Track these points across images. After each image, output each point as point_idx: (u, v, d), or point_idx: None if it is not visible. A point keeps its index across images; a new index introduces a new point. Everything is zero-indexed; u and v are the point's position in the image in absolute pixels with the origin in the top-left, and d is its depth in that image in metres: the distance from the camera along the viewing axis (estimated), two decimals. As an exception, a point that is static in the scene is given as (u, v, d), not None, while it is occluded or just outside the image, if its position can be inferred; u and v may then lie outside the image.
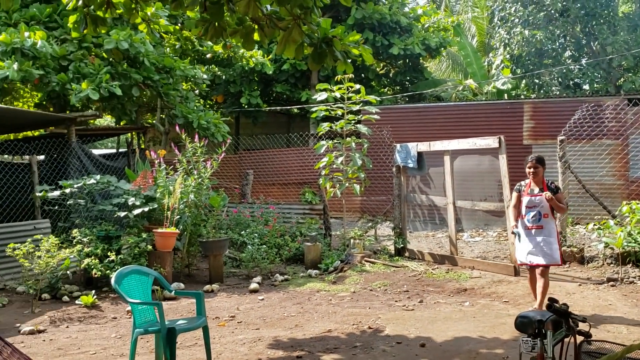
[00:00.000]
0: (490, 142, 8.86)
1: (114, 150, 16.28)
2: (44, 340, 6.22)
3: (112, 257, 8.27)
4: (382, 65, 21.77)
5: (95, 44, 11.38)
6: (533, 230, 6.58)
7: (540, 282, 6.54)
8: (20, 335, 6.37)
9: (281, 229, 11.04)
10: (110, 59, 11.33)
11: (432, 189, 12.57)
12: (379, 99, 13.09)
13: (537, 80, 20.55)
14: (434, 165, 11.49)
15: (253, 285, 8.78)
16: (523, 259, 6.74)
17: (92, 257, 8.22)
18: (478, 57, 22.28)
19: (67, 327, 6.80)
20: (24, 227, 9.10)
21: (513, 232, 6.81)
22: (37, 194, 9.63)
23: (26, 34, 10.20)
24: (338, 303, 7.82)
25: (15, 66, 9.80)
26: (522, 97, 20.42)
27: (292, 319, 7.05)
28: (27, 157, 11.80)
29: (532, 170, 6.65)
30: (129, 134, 14.79)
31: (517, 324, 3.72)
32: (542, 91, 20.40)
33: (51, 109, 13.51)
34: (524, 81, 20.99)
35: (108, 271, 8.11)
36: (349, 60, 5.60)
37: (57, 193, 9.25)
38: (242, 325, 6.81)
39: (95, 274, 8.12)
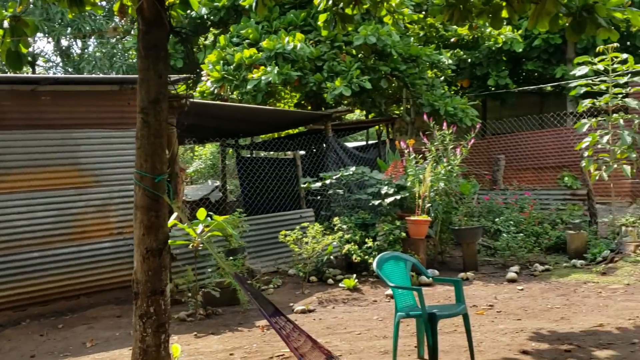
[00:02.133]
0: None
1: (364, 143, 17.01)
2: (314, 319, 6.75)
3: (370, 243, 8.64)
4: (651, 28, 19.01)
5: (346, 42, 12.00)
6: None
7: None
8: (294, 314, 7.00)
9: (539, 216, 10.35)
10: (360, 55, 11.84)
11: None
12: (650, 67, 11.41)
13: None
14: None
15: (510, 275, 8.40)
16: None
17: (352, 244, 8.69)
18: None
19: (333, 307, 7.29)
20: (292, 216, 10.03)
21: None
22: (302, 186, 10.53)
23: (286, 39, 11.20)
24: (609, 296, 7.05)
25: (276, 70, 10.83)
26: None
27: (556, 311, 6.55)
28: (289, 152, 13.02)
29: None
30: (378, 126, 15.32)
31: None
32: None
33: (309, 108, 14.66)
34: None
35: (367, 257, 8.50)
36: (613, 27, 4.91)
37: (318, 184, 9.99)
38: (502, 314, 6.55)
39: (355, 259, 8.57)
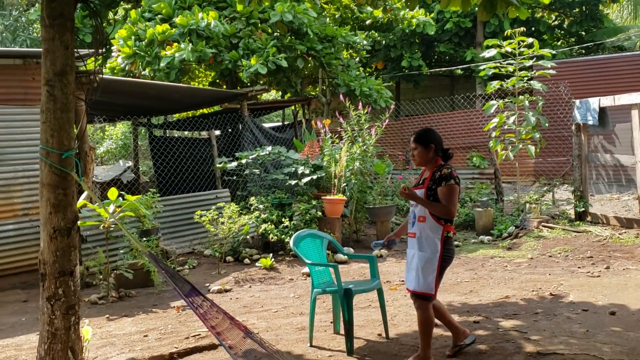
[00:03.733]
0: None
1: (280, 124, 16.99)
2: (231, 299, 6.71)
3: (286, 222, 8.67)
4: (554, 16, 20.11)
5: (262, 20, 11.86)
6: (409, 239, 4.35)
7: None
8: (210, 294, 6.92)
9: (448, 194, 10.77)
10: (276, 33, 11.74)
11: (618, 147, 11.41)
12: (553, 52, 12.10)
13: None
14: (619, 121, 10.40)
15: (422, 251, 8.69)
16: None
17: (269, 223, 8.69)
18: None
19: (250, 287, 7.27)
20: (207, 197, 9.87)
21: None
22: (217, 166, 10.37)
23: (200, 15, 10.90)
24: (514, 269, 7.47)
25: (190, 47, 10.54)
26: None
27: (465, 284, 6.86)
28: (204, 132, 12.76)
29: (412, 151, 4.39)
30: (294, 106, 15.33)
31: None
32: None
33: (224, 87, 14.42)
34: None
35: (283, 236, 8.52)
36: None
37: (234, 164, 9.88)
38: (414, 289, 6.77)
39: (272, 238, 8.57)
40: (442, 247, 4.13)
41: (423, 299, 4.21)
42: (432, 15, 16.45)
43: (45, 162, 3.51)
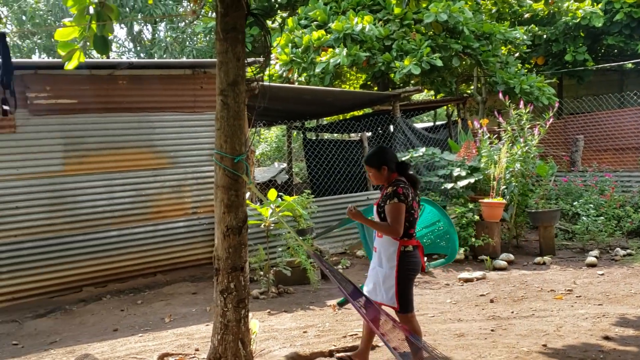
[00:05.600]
0: None
1: (431, 124, 16.68)
2: (386, 301, 6.69)
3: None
4: None
5: (416, 20, 11.74)
6: (374, 253, 4.33)
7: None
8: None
9: (620, 198, 9.88)
10: (430, 33, 11.56)
11: None
12: None
13: None
14: None
15: (590, 259, 8.07)
16: None
17: (422, 226, 8.55)
18: None
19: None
20: (359, 198, 9.97)
21: None
22: (370, 167, 10.41)
23: (354, 19, 11.05)
24: (702, 284, 6.66)
25: (344, 52, 10.72)
26: None
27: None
28: (353, 134, 12.90)
29: (367, 173, 4.53)
30: (446, 106, 14.98)
31: None
32: None
33: (375, 88, 14.49)
34: None
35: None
36: None
37: (386, 166, 9.86)
38: (582, 299, 6.30)
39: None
40: (399, 261, 4.06)
41: (400, 313, 4.12)
42: (599, 5, 15.17)
43: (220, 166, 3.74)
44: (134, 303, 7.01)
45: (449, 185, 9.09)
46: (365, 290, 4.28)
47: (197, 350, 5.02)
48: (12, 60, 6.36)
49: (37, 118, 7.25)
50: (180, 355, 4.86)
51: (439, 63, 10.84)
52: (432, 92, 16.18)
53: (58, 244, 7.39)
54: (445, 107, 14.63)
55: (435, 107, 15.10)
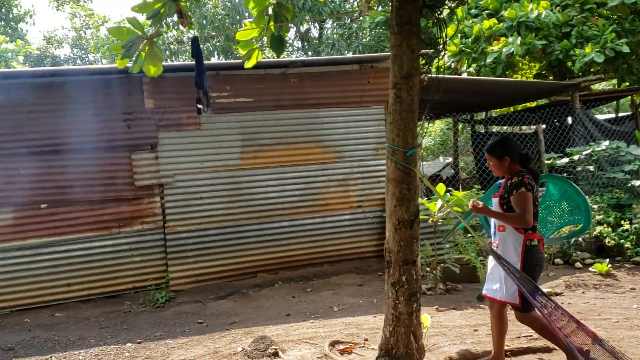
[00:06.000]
0: None
1: (613, 115, 15.23)
2: (562, 303, 6.25)
3: (626, 226, 7.77)
4: None
5: (598, 4, 10.81)
6: (492, 249, 4.14)
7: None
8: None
9: None
10: (615, 17, 10.57)
11: None
12: None
13: None
14: None
15: None
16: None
17: (604, 225, 7.90)
18: None
19: (583, 292, 6.71)
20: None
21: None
22: (546, 162, 9.83)
23: (529, 6, 10.46)
24: None
25: (518, 40, 10.19)
26: None
27: None
28: (525, 127, 12.20)
29: (488, 162, 4.30)
30: (631, 96, 13.60)
31: None
32: None
33: (550, 78, 13.59)
34: None
35: (622, 240, 7.66)
36: None
37: (564, 160, 9.24)
38: None
39: (608, 242, 7.78)
40: (524, 256, 3.91)
41: (520, 311, 4.00)
42: None
43: (391, 159, 3.76)
44: (303, 291, 7.33)
45: (637, 183, 8.26)
46: (485, 290, 4.22)
47: (366, 340, 5.11)
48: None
49: (218, 116, 7.88)
50: (351, 344, 4.99)
51: (626, 49, 9.88)
52: (613, 81, 14.78)
53: (236, 232, 7.97)
54: (629, 97, 13.29)
55: (619, 97, 13.78)
